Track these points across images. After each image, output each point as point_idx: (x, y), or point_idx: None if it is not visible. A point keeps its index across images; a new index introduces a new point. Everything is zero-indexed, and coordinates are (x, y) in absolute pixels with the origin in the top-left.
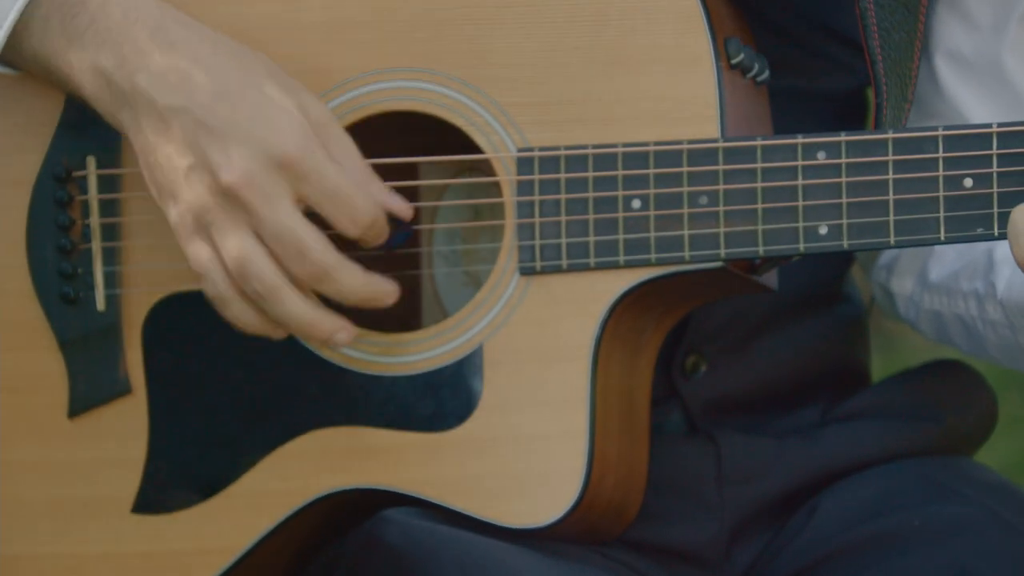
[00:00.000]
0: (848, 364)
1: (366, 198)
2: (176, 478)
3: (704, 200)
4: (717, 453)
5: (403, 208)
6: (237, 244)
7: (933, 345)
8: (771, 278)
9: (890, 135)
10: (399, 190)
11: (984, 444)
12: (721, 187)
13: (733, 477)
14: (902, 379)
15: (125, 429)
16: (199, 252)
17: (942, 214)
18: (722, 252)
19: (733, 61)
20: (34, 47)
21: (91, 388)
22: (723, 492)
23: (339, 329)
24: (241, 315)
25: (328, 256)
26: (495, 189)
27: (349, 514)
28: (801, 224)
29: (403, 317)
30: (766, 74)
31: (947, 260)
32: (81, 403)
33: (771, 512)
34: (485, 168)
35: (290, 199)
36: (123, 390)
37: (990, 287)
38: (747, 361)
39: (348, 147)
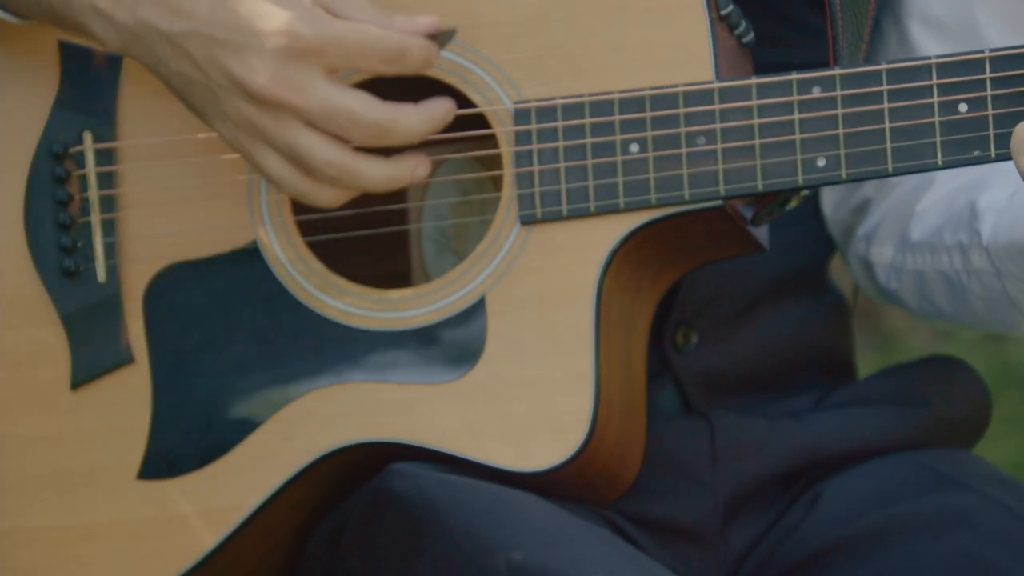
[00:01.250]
0: (834, 351)
1: (386, 37)
2: (181, 443)
3: (702, 140)
4: (711, 431)
5: (430, 22)
6: (293, 143)
7: (931, 345)
8: (763, 235)
9: (884, 66)
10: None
11: (981, 440)
12: (718, 125)
13: (726, 455)
14: (894, 371)
15: (128, 398)
16: (266, 162)
17: (938, 139)
18: (721, 189)
19: (722, 12)
20: None
21: (93, 359)
22: (716, 469)
23: (417, 166)
24: (329, 199)
25: (380, 112)
26: (494, 163)
27: (356, 472)
28: (799, 157)
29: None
30: (751, 36)
31: (928, 219)
32: (83, 374)
33: (765, 493)
34: (483, 138)
35: (321, 77)
36: (125, 359)
37: (975, 236)
38: (737, 336)
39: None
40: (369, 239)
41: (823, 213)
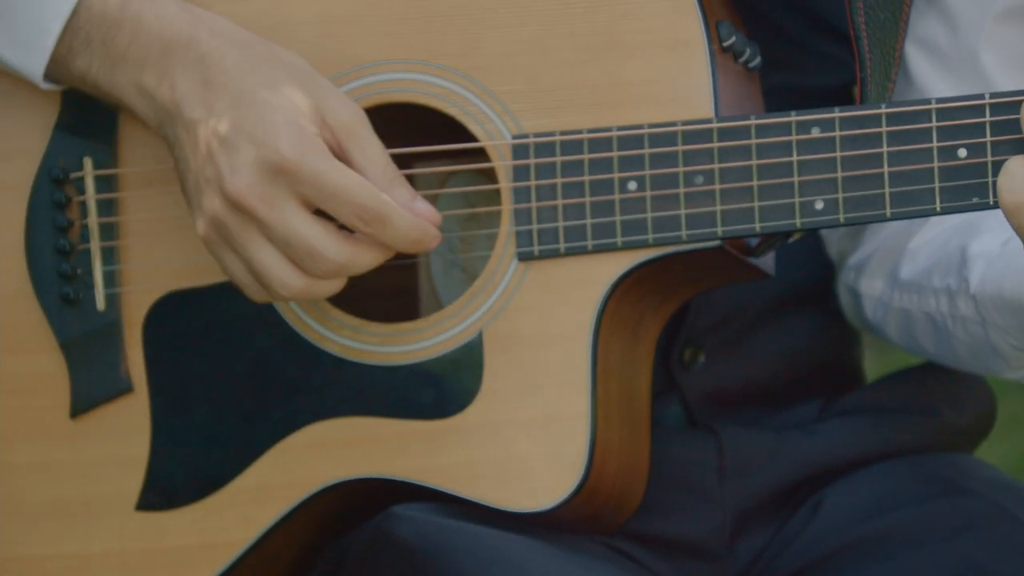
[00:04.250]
0: (842, 361)
1: (371, 196)
2: (179, 474)
3: (700, 179)
4: (718, 445)
5: (429, 212)
6: (253, 257)
7: None
8: (768, 262)
9: (883, 109)
10: None
11: (984, 443)
12: (716, 166)
13: (734, 469)
14: (899, 377)
15: (127, 427)
16: (231, 265)
17: (937, 185)
18: (719, 230)
19: (725, 44)
20: (81, 69)
21: (93, 387)
22: (724, 484)
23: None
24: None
25: (338, 252)
26: (492, 180)
27: (354, 507)
28: (797, 199)
29: (400, 313)
30: (758, 60)
31: (919, 258)
32: (83, 403)
33: (772, 505)
34: (482, 160)
35: (294, 203)
36: (125, 388)
37: (963, 282)
38: (744, 354)
39: (374, 150)
40: None
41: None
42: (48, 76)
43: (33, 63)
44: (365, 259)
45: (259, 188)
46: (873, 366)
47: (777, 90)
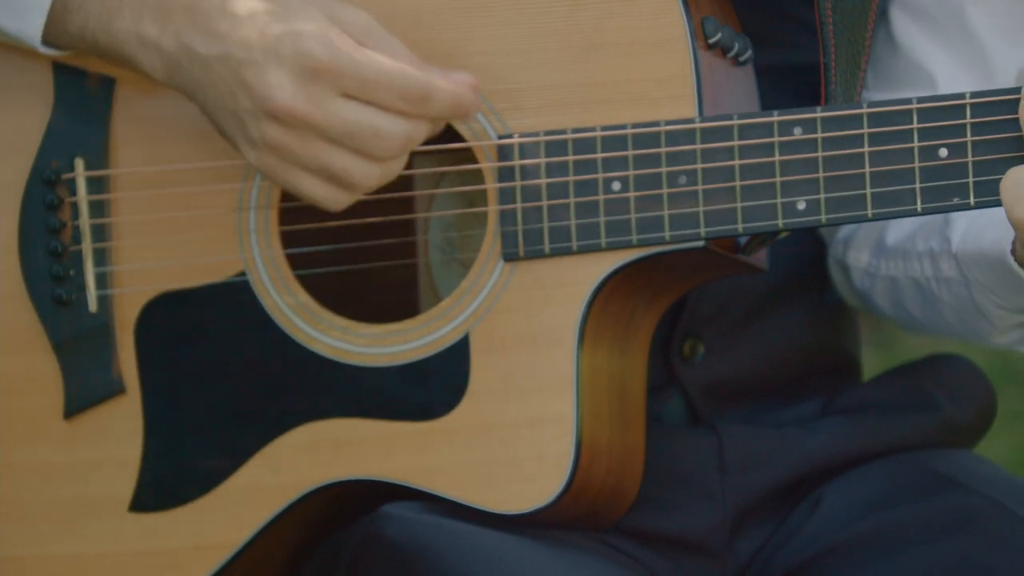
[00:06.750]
0: (840, 350)
1: (408, 76)
2: (172, 476)
3: (683, 180)
4: (719, 442)
5: (465, 78)
6: (327, 163)
7: (931, 342)
8: (760, 257)
9: (864, 109)
10: (390, 184)
11: (983, 438)
12: (699, 166)
13: (734, 466)
14: (900, 372)
15: (120, 429)
16: (302, 182)
17: (918, 185)
18: (702, 231)
19: (711, 41)
20: (77, 26)
21: (85, 389)
22: (724, 481)
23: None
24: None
25: (400, 126)
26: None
27: (344, 508)
28: (779, 200)
29: (400, 309)
30: (749, 53)
31: (904, 225)
32: (76, 404)
33: (772, 502)
34: (474, 158)
35: (340, 98)
36: (117, 390)
37: (944, 243)
38: (744, 344)
39: (394, 44)
40: (376, 248)
41: None
42: (46, 41)
43: (30, 26)
44: (421, 131)
45: (303, 96)
46: (873, 363)
47: (773, 70)
